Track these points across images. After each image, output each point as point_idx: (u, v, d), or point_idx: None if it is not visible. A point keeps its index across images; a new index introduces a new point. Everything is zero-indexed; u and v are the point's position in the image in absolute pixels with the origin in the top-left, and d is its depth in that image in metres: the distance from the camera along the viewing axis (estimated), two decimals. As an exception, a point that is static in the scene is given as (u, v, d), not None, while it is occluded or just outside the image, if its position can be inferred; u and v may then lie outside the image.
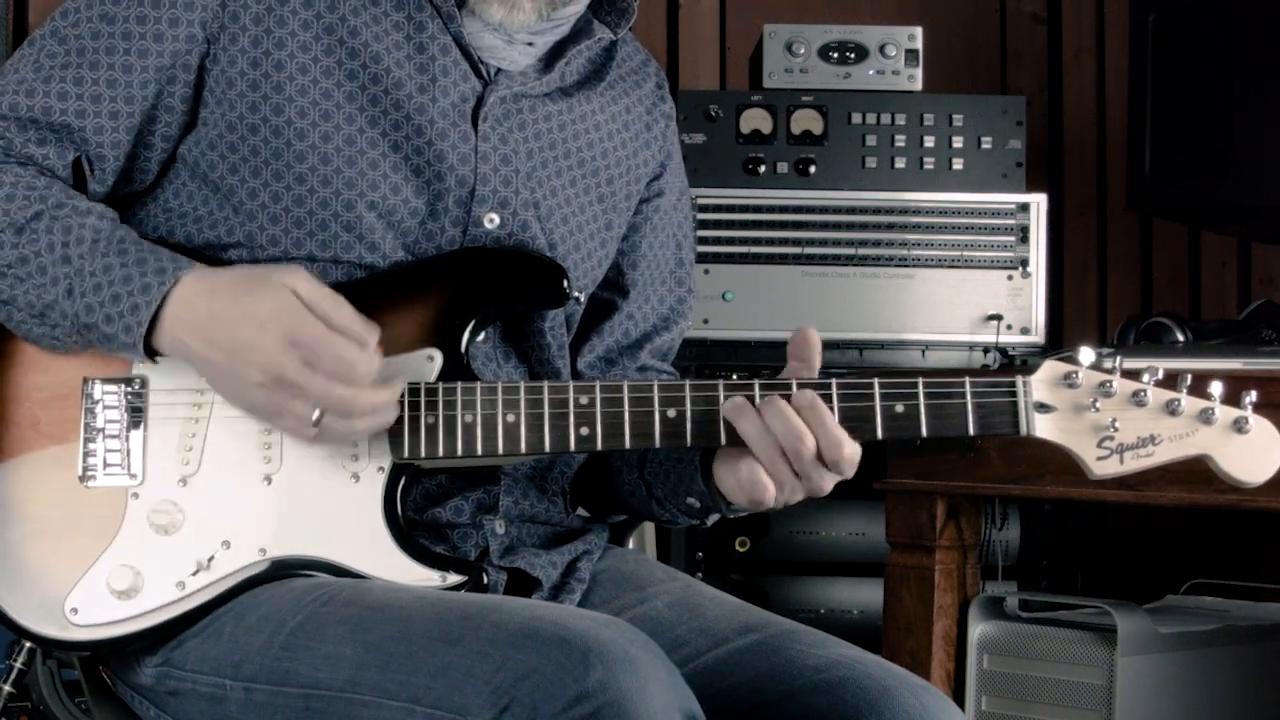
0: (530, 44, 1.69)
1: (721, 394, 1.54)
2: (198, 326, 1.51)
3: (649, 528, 2.08)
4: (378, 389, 1.51)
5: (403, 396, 1.54)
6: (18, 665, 1.79)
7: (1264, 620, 2.55)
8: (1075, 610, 2.46)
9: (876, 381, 1.54)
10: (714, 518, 1.71)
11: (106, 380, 1.57)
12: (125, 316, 1.51)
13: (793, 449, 1.50)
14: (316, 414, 1.49)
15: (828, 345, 2.77)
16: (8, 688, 1.83)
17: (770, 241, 2.80)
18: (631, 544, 1.97)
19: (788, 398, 1.51)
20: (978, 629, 2.41)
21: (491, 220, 1.66)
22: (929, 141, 2.84)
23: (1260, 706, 2.48)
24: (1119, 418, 1.55)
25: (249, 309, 1.49)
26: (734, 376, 1.56)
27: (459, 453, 1.55)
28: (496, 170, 1.66)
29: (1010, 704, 2.39)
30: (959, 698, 2.40)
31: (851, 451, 1.52)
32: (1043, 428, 1.55)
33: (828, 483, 1.54)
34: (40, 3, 3.15)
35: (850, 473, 1.53)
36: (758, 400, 1.52)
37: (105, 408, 1.57)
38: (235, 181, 1.61)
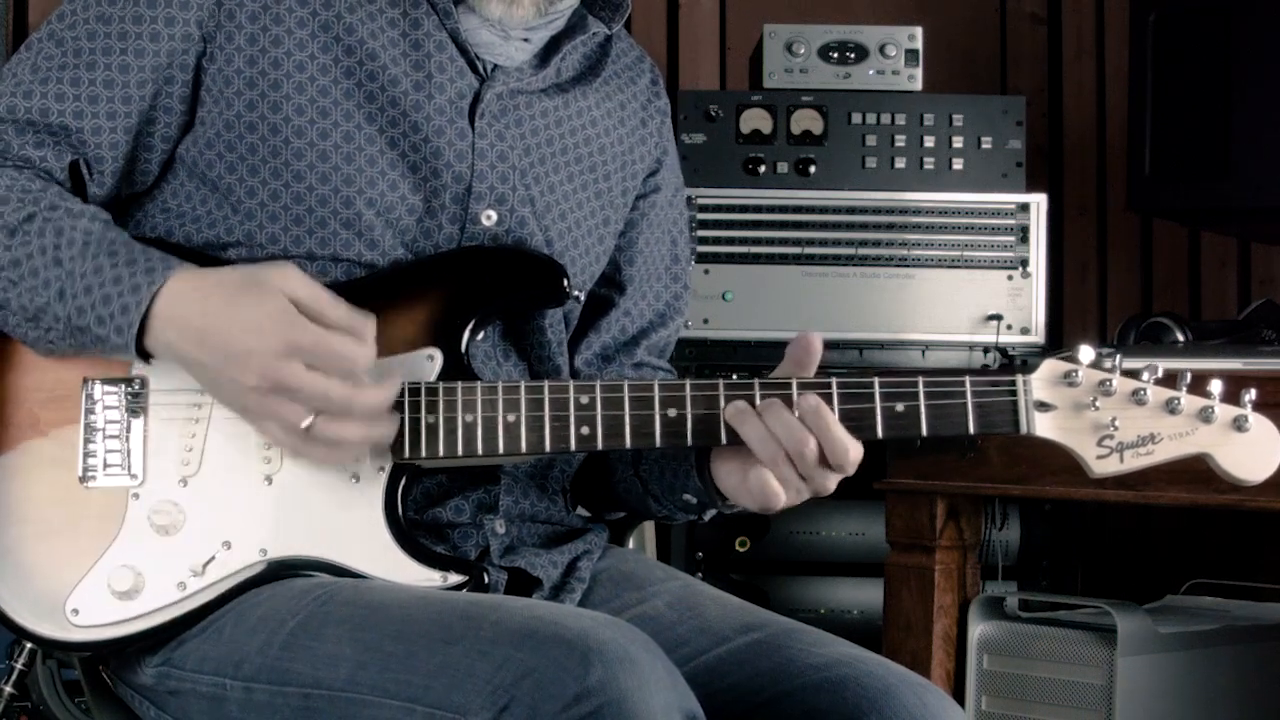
0: (526, 40, 1.69)
1: (722, 394, 1.54)
2: (189, 328, 1.50)
3: (649, 527, 2.08)
4: (376, 387, 1.50)
5: (402, 396, 1.54)
6: (19, 666, 1.79)
7: (1264, 620, 2.55)
8: (1075, 610, 2.46)
9: (876, 381, 1.54)
10: (711, 513, 1.71)
11: (106, 381, 1.57)
12: (116, 318, 1.51)
13: (796, 452, 1.51)
14: (309, 419, 1.48)
15: (828, 345, 2.77)
16: (9, 689, 1.83)
17: (770, 241, 2.80)
18: (631, 544, 1.97)
19: (789, 401, 1.51)
20: (978, 629, 2.41)
21: (489, 217, 1.66)
22: (929, 141, 2.84)
23: (1260, 706, 2.48)
24: (1119, 416, 1.54)
25: (244, 315, 1.48)
26: (734, 376, 1.56)
27: (459, 452, 1.55)
28: (493, 167, 1.66)
29: (1010, 704, 2.39)
30: (959, 698, 2.40)
31: (842, 445, 1.50)
32: (1043, 426, 1.55)
33: (831, 482, 1.54)
34: (40, 3, 3.15)
35: (851, 469, 1.53)
36: (758, 403, 1.53)
37: (105, 408, 1.57)
38: (233, 180, 1.61)
